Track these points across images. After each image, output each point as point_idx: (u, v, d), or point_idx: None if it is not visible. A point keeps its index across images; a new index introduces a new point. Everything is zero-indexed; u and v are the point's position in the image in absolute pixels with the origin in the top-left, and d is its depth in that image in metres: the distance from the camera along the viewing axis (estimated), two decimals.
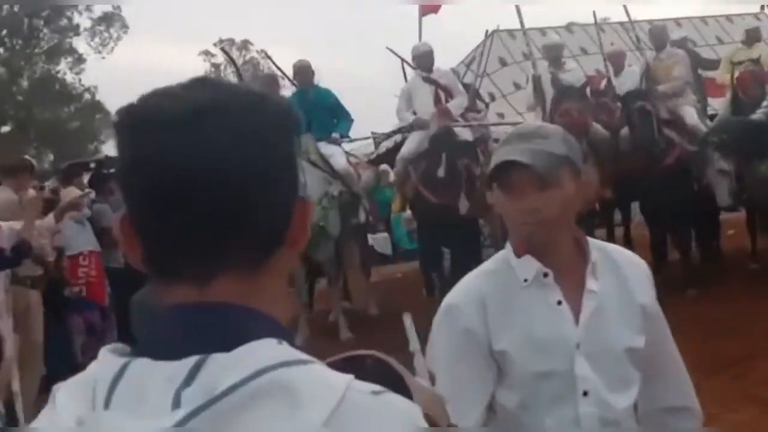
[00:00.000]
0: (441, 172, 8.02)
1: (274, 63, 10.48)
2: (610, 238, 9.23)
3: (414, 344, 1.92)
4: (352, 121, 9.35)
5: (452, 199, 8.01)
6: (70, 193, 8.25)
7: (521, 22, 9.32)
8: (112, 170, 12.41)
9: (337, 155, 8.79)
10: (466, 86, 10.46)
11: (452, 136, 8.39)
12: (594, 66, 11.75)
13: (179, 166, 0.91)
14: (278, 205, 0.97)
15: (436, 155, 8.17)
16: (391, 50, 10.71)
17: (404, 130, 9.27)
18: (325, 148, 8.75)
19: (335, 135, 8.97)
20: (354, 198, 8.88)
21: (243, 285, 0.94)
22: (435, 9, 10.58)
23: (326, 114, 9.01)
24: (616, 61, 9.72)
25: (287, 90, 10.27)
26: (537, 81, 8.71)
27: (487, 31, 12.99)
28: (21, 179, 7.10)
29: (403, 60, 10.10)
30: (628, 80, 9.20)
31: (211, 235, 0.93)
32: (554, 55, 9.31)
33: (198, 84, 0.97)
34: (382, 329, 8.33)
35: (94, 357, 0.97)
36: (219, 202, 0.92)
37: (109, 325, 7.76)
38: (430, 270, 8.88)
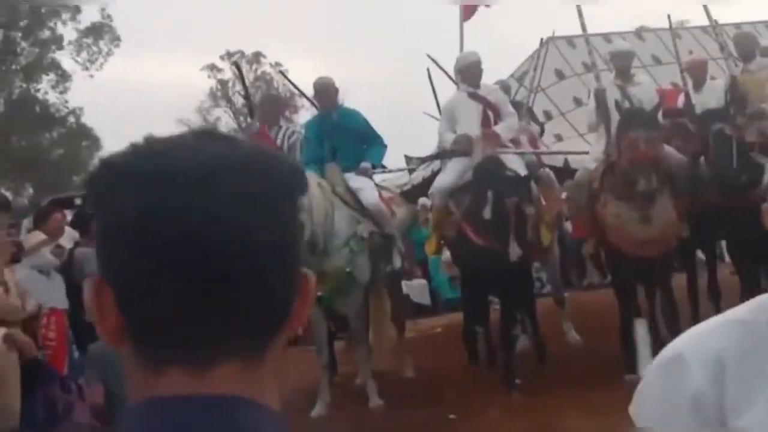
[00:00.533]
0: (487, 213, 7.98)
1: (288, 80, 10.64)
2: (692, 284, 9.12)
3: (644, 359, 1.80)
4: (384, 146, 9.39)
5: (500, 244, 7.95)
6: (33, 238, 8.25)
7: (583, 26, 9.26)
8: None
9: (367, 189, 8.81)
10: (517, 104, 10.50)
11: (500, 168, 8.34)
12: (669, 78, 11.74)
13: (192, 228, 0.92)
14: (287, 277, 0.99)
15: (482, 190, 8.15)
16: (432, 59, 10.80)
17: (443, 156, 9.26)
18: (354, 180, 8.78)
19: (365, 164, 8.99)
20: (386, 240, 8.87)
21: (245, 372, 0.96)
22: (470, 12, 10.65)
23: (353, 139, 9.06)
24: (696, 72, 9.63)
25: (306, 111, 10.36)
26: (601, 96, 8.62)
27: (541, 40, 13.03)
28: None
29: (446, 73, 10.16)
30: (710, 96, 9.14)
31: (218, 311, 0.94)
32: (622, 65, 9.22)
33: (208, 137, 1.00)
34: (418, 395, 8.31)
35: None
36: (232, 271, 0.93)
37: (72, 399, 7.51)
38: (475, 326, 8.83)
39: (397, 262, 9.26)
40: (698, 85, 9.55)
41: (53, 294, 7.86)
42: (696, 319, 8.90)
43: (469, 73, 9.18)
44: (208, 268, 0.93)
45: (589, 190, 8.25)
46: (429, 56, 10.93)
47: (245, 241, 0.94)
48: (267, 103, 10.14)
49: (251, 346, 0.97)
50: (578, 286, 14.26)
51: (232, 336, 0.95)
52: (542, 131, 11.31)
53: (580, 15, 9.21)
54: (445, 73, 10.04)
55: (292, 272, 0.99)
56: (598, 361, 8.33)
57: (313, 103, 9.86)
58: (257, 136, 9.43)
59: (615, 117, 8.20)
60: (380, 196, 9.20)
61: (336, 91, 9.42)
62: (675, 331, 7.99)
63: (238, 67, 8.85)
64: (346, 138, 9.00)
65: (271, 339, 0.98)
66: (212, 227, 0.93)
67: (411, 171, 10.76)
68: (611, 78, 9.22)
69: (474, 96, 9.05)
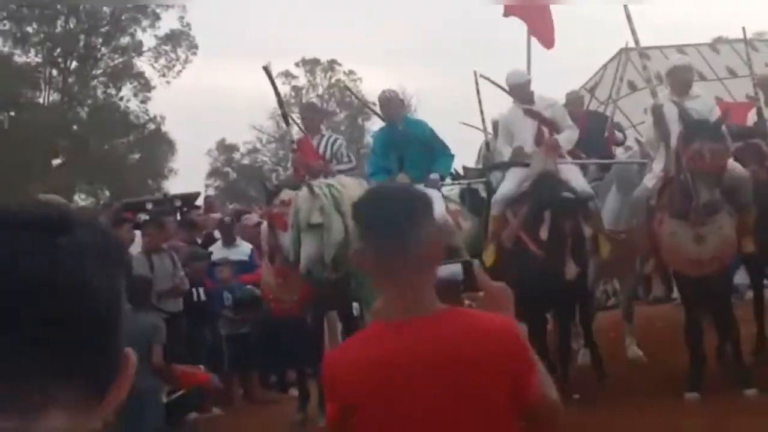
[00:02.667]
0: (543, 234, 7.88)
1: (353, 94, 10.74)
2: (759, 304, 8.92)
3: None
4: (452, 156, 9.38)
5: (557, 264, 7.88)
6: None
7: (636, 41, 8.80)
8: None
9: (434, 201, 8.78)
10: (597, 114, 10.43)
11: (558, 187, 8.25)
12: (744, 90, 11.61)
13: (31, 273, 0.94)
14: (117, 343, 1.02)
15: (540, 204, 8.08)
16: (485, 77, 10.71)
17: (500, 166, 9.15)
18: None
19: (434, 176, 8.98)
20: (452, 253, 8.85)
21: (70, 424, 0.96)
22: (545, 40, 10.37)
23: (420, 149, 9.05)
24: (766, 86, 9.38)
25: (376, 123, 10.32)
26: (658, 112, 8.24)
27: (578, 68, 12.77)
28: None
29: (501, 88, 10.11)
30: None
31: (46, 357, 0.94)
32: (677, 80, 8.57)
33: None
34: None
35: None
36: (67, 316, 0.95)
37: None
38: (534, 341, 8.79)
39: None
40: None
41: None
42: (762, 335, 8.74)
43: (519, 91, 9.00)
44: (40, 311, 0.93)
45: (647, 208, 8.07)
46: (479, 74, 10.86)
47: (82, 287, 0.96)
48: (307, 111, 10.15)
49: (82, 401, 0.97)
50: (644, 300, 14.10)
51: (66, 387, 0.96)
52: (625, 138, 11.36)
53: (633, 30, 8.67)
54: (501, 88, 9.85)
55: (121, 342, 1.02)
56: (661, 377, 8.23)
57: (377, 114, 9.91)
58: (300, 144, 9.45)
59: (675, 132, 7.95)
60: (447, 208, 9.08)
61: (400, 102, 9.43)
62: (737, 350, 7.89)
63: (268, 72, 8.79)
64: (413, 148, 9.02)
65: (100, 399, 1.00)
66: (51, 273, 0.95)
67: (468, 180, 10.75)
68: (667, 93, 8.62)
69: (529, 112, 8.87)
